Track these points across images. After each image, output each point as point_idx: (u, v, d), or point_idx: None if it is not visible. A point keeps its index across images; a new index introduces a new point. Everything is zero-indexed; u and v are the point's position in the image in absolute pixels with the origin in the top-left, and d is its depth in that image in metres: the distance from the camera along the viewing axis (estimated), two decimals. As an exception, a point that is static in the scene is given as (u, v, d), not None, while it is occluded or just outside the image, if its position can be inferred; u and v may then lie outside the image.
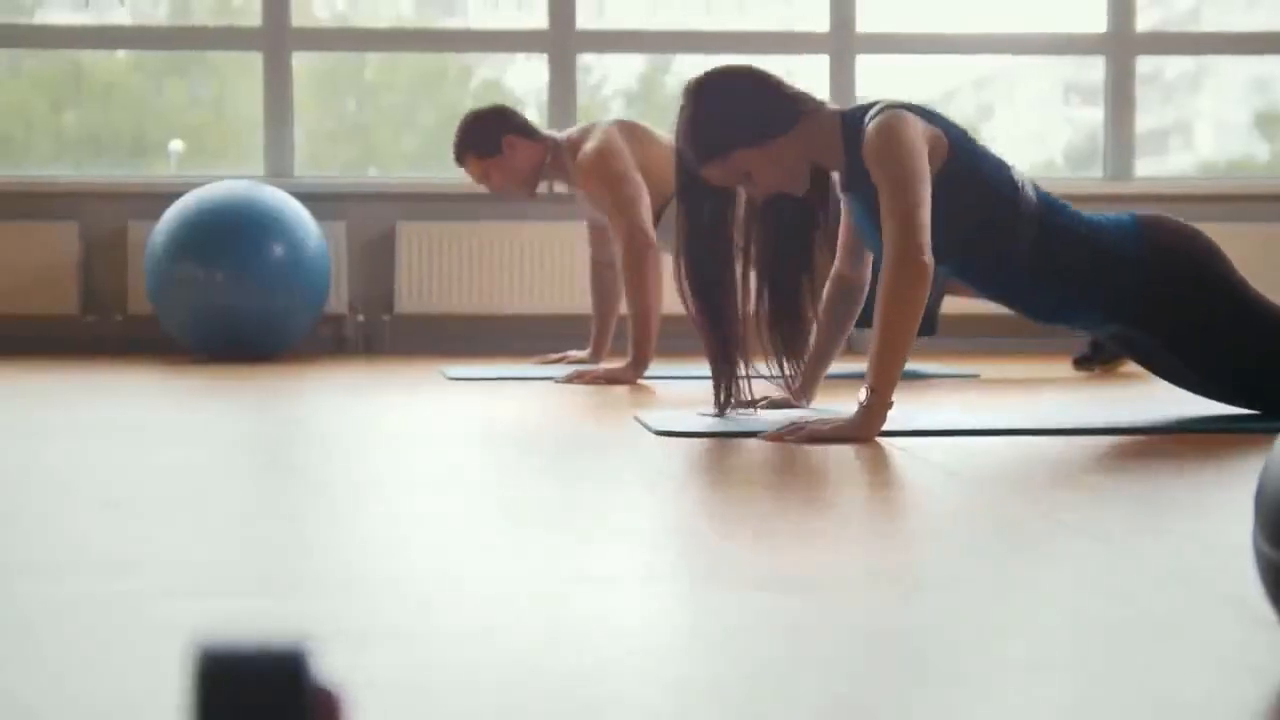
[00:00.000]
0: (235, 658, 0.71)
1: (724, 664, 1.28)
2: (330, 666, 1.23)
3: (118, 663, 1.27)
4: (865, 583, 1.62)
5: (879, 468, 2.57)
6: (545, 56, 6.32)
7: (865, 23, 6.34)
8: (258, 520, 2.08)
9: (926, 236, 2.88)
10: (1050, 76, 7.84)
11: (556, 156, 4.76)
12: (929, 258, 2.86)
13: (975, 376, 4.80)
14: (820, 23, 6.35)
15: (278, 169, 6.20)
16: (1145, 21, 6.54)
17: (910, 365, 5.11)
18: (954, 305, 5.10)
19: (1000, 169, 3.08)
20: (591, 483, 2.44)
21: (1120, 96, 6.43)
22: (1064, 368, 5.01)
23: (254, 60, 6.29)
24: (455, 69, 7.12)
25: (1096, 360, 4.89)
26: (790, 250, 3.20)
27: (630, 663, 1.27)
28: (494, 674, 1.23)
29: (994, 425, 3.03)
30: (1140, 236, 3.09)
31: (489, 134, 4.72)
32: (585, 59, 6.58)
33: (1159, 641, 1.33)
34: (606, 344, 5.11)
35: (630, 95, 7.41)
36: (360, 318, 6.15)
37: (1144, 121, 6.67)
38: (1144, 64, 6.57)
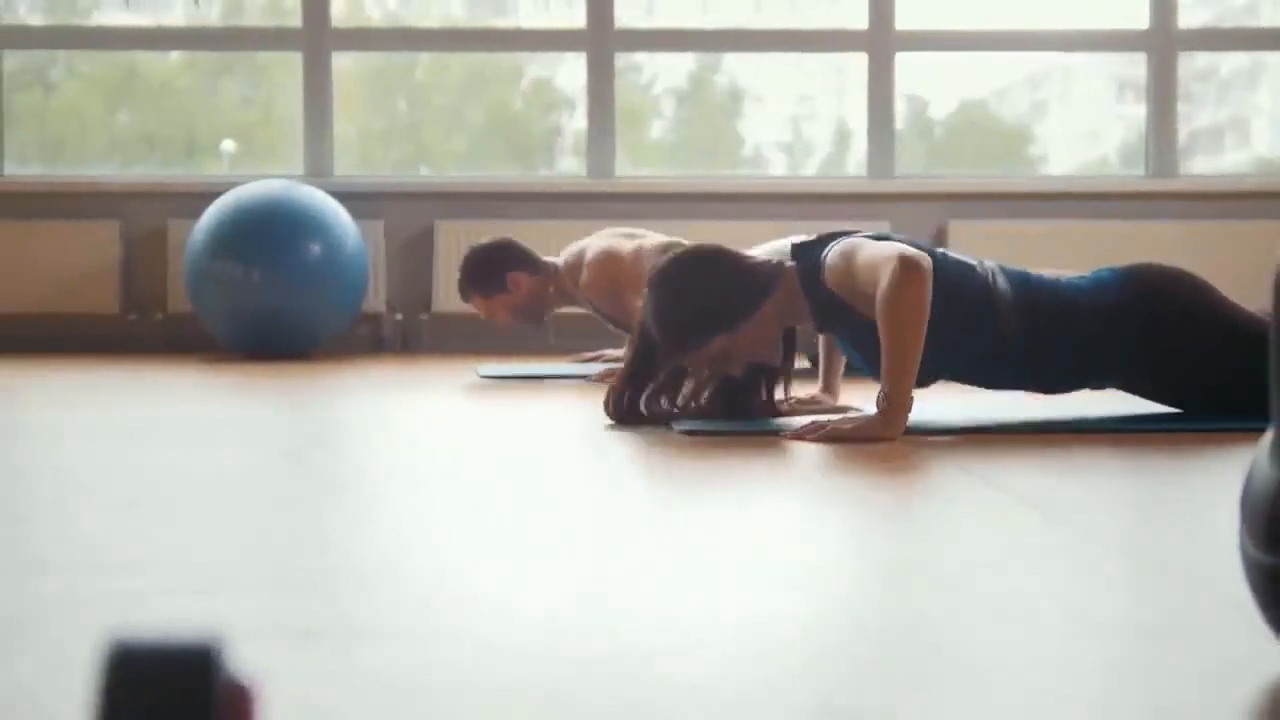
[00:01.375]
0: (144, 652, 0.71)
1: (732, 663, 1.27)
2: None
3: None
4: (866, 579, 1.61)
5: (896, 466, 2.55)
6: (585, 55, 6.32)
7: (904, 20, 6.31)
8: (267, 517, 2.09)
9: (915, 253, 2.85)
10: (1103, 73, 7.79)
11: (559, 283, 4.79)
12: (926, 262, 2.83)
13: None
14: (860, 20, 6.32)
15: (317, 168, 6.22)
16: (1198, 18, 6.48)
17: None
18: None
19: (965, 272, 3.03)
20: (603, 482, 2.44)
21: (1163, 93, 6.38)
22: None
23: (292, 60, 6.32)
24: (506, 68, 7.13)
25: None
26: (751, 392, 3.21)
27: (628, 663, 1.27)
28: (491, 675, 1.23)
29: (1013, 421, 3.01)
30: (1121, 288, 3.05)
31: (492, 273, 4.75)
32: (636, 58, 6.57)
33: (1158, 641, 1.32)
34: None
35: (680, 94, 7.41)
36: (398, 316, 6.17)
37: (1199, 118, 6.61)
38: (1199, 60, 6.52)
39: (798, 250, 3.09)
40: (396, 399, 4.00)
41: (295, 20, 6.30)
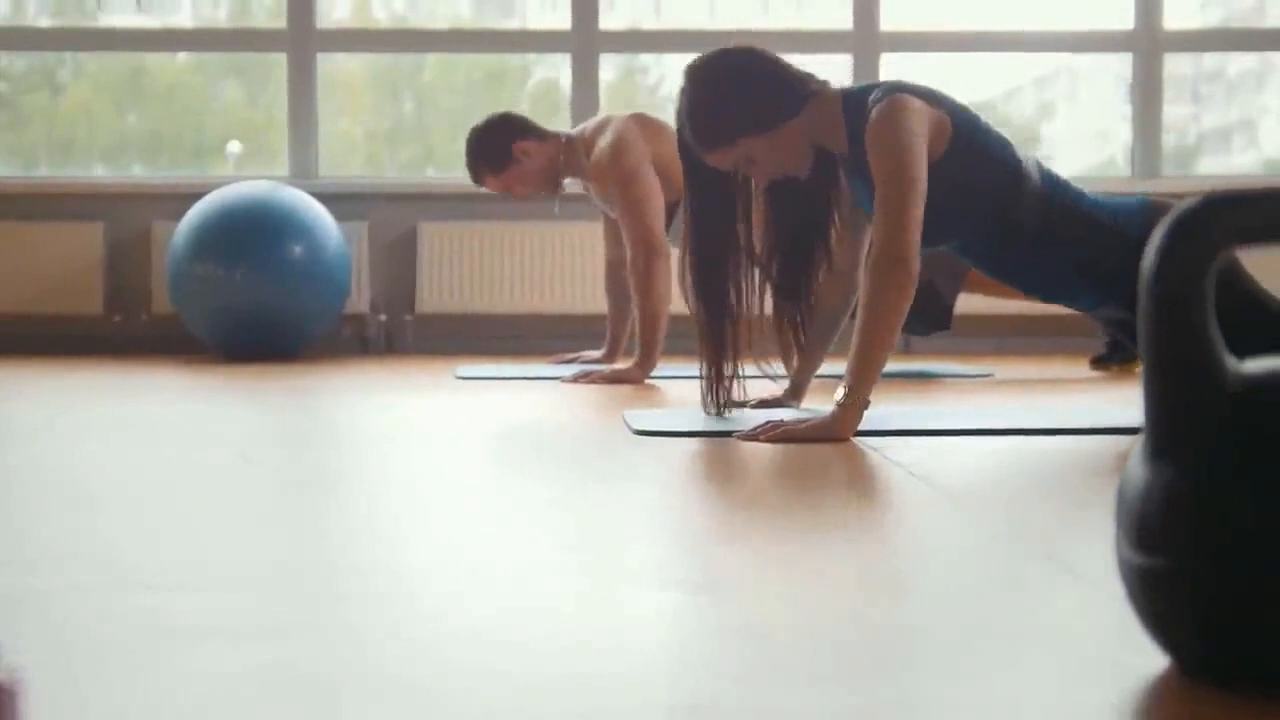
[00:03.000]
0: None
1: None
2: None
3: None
4: (776, 586, 1.62)
5: (844, 468, 2.56)
6: (569, 57, 6.33)
7: (889, 21, 6.31)
8: (210, 517, 2.10)
9: (915, 241, 2.87)
10: (1111, 74, 7.79)
11: (570, 153, 4.75)
12: (915, 266, 2.85)
13: (989, 376, 4.77)
14: (844, 20, 6.33)
15: (302, 170, 6.24)
16: (1208, 19, 6.46)
17: (924, 365, 5.12)
18: (970, 305, 5.08)
19: (1004, 148, 3.08)
20: (549, 482, 2.44)
21: (1148, 95, 6.38)
22: (1081, 368, 4.97)
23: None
24: (514, 69, 7.14)
25: (1114, 360, 4.86)
26: (803, 231, 3.20)
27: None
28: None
29: (966, 425, 3.01)
30: (1142, 219, 3.05)
31: (499, 146, 4.70)
32: (643, 59, 6.57)
33: (1034, 641, 1.33)
34: (621, 345, 5.11)
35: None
36: (382, 317, 6.18)
37: (1207, 120, 6.60)
38: (1207, 61, 6.51)
39: (849, 90, 3.09)
40: (371, 400, 4.00)
41: (281, 22, 6.31)
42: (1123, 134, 6.66)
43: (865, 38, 6.31)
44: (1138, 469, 1.17)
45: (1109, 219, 3.06)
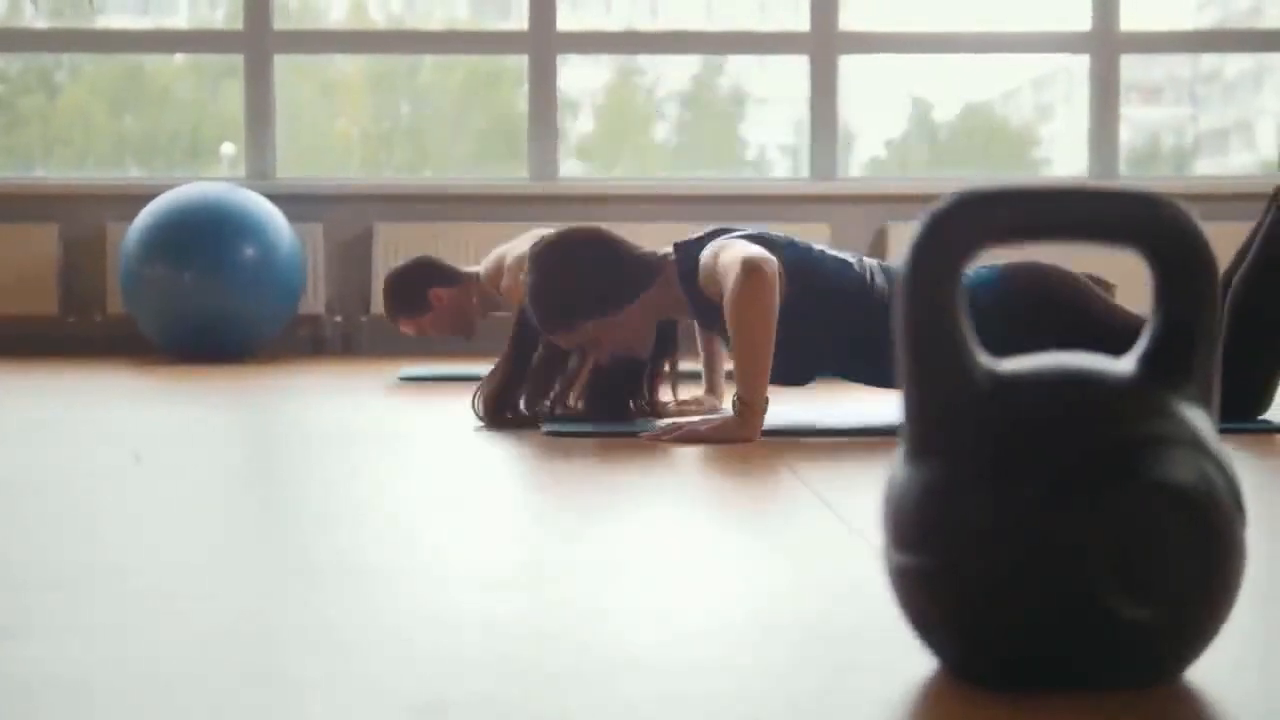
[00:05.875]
0: None
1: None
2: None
3: None
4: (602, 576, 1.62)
5: (732, 469, 2.56)
6: (526, 58, 6.33)
7: (848, 22, 6.32)
8: (86, 518, 2.10)
9: (760, 254, 2.84)
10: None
11: (482, 290, 4.80)
12: (770, 266, 2.82)
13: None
14: (803, 22, 6.33)
15: (258, 171, 6.24)
16: (1204, 19, 6.45)
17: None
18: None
19: (843, 270, 3.04)
20: (434, 482, 2.45)
21: (1104, 96, 6.38)
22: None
23: (303, 62, 6.36)
24: (510, 70, 7.12)
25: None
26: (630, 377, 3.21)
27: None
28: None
29: (874, 423, 3.02)
30: (997, 286, 3.02)
31: (413, 293, 4.75)
32: (639, 61, 6.58)
33: (815, 643, 1.33)
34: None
35: (684, 97, 7.43)
36: (338, 318, 6.18)
37: (1205, 121, 6.61)
38: (1204, 63, 6.50)
39: (680, 247, 3.10)
40: (303, 401, 4.01)
41: (238, 23, 6.32)
42: (1121, 135, 6.65)
43: (823, 39, 6.31)
44: (898, 469, 1.18)
45: (967, 297, 3.00)
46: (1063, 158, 8.07)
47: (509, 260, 4.70)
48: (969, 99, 7.47)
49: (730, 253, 2.88)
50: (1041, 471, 1.09)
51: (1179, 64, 8.25)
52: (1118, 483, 1.09)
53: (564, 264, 3.07)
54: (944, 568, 1.12)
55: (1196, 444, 1.11)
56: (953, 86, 7.13)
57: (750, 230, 3.05)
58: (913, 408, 1.15)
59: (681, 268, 3.05)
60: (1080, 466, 1.09)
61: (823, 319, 2.99)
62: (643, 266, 3.08)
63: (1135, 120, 7.57)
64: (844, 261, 3.06)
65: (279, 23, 6.30)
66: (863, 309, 3.01)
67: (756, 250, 2.86)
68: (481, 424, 3.18)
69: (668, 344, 3.20)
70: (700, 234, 3.11)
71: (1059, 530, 1.08)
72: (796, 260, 3.00)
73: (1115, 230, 1.15)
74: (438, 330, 4.83)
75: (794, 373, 3.05)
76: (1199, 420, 1.13)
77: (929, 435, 1.14)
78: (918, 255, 1.13)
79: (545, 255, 3.09)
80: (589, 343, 3.08)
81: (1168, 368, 1.15)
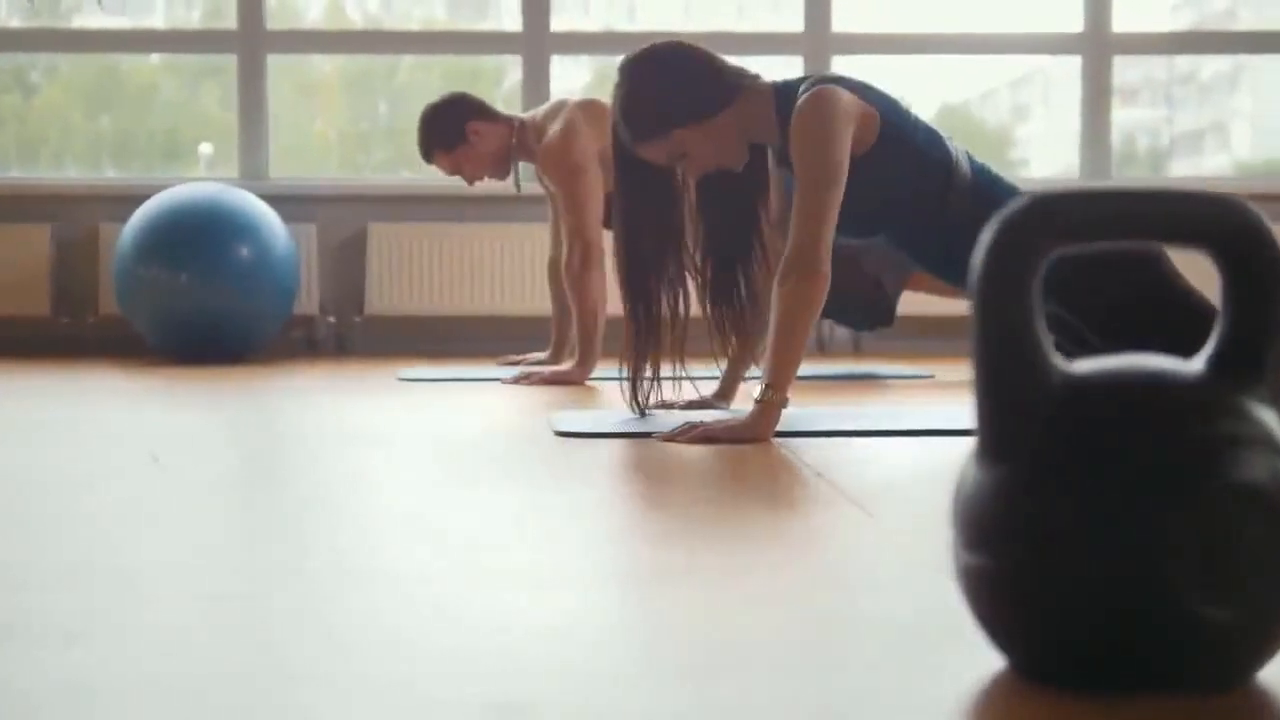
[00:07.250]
0: None
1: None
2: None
3: None
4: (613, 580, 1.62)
5: (750, 469, 2.56)
6: (520, 59, 6.33)
7: (841, 23, 6.32)
8: (96, 520, 2.09)
9: (827, 245, 2.87)
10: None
11: (522, 137, 4.76)
12: (827, 269, 2.86)
13: (930, 377, 4.78)
14: (794, 23, 6.33)
15: (252, 171, 6.22)
16: (1180, 21, 6.47)
17: (870, 367, 5.12)
18: (914, 306, 5.08)
19: (933, 141, 3.10)
20: (456, 485, 2.44)
21: (1096, 97, 6.40)
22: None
23: (283, 62, 6.34)
24: (490, 70, 7.11)
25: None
26: (736, 226, 3.20)
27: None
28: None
29: (883, 427, 3.02)
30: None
31: (451, 125, 4.71)
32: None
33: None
34: (566, 346, 5.10)
35: None
36: (331, 319, 6.17)
37: (1181, 122, 6.62)
38: (1180, 64, 6.52)
39: (780, 83, 3.11)
40: (305, 401, 3.99)
41: (294, 21, 6.29)
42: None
43: (817, 39, 6.31)
44: (970, 470, 1.18)
45: None
46: (1040, 158, 8.08)
47: (556, 125, 4.65)
48: (946, 100, 7.49)
49: (818, 176, 2.88)
50: (1119, 473, 1.09)
51: (1156, 65, 8.26)
52: (1195, 483, 1.09)
53: (656, 70, 3.07)
54: (1021, 568, 1.12)
55: (1270, 444, 1.12)
56: (930, 87, 7.14)
57: (854, 81, 3.06)
58: (986, 409, 1.15)
59: (779, 98, 3.07)
60: (1158, 467, 1.09)
61: (904, 180, 3.04)
62: (734, 75, 3.09)
63: (1113, 121, 7.59)
64: (938, 134, 3.11)
65: (270, 23, 6.28)
66: (943, 184, 3.05)
67: (824, 240, 2.87)
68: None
69: (762, 174, 3.18)
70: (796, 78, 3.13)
71: (1139, 531, 1.08)
72: (894, 117, 3.05)
73: (1185, 231, 1.15)
74: (473, 168, 4.77)
75: (861, 228, 3.06)
76: (1271, 420, 1.14)
77: (1003, 437, 1.14)
78: (992, 257, 1.13)
79: (634, 66, 3.09)
80: (679, 155, 3.07)
81: (1239, 368, 1.15)
